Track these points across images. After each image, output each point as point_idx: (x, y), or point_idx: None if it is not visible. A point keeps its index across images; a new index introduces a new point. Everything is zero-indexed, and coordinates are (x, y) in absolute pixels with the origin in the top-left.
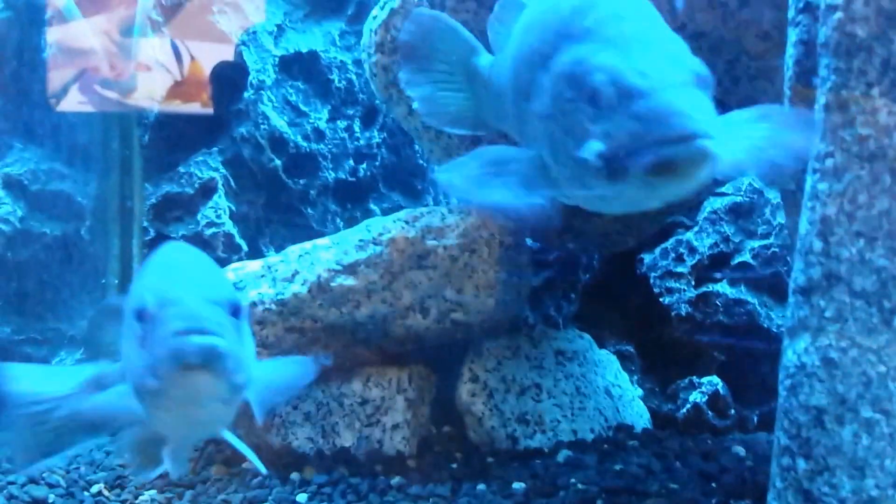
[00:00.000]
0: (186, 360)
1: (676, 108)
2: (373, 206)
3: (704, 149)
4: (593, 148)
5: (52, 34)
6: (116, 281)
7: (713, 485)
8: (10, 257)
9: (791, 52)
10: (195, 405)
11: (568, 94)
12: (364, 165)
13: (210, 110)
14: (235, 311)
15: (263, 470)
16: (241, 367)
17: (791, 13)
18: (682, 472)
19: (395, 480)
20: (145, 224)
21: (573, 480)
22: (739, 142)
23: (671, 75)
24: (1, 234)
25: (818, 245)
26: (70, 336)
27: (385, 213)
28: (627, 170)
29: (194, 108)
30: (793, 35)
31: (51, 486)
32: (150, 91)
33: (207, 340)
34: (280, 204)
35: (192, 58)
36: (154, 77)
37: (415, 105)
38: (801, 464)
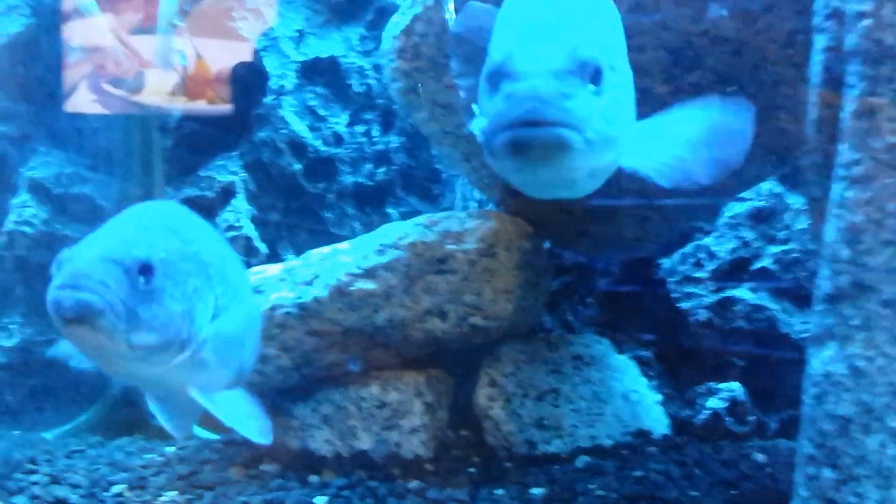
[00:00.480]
0: (63, 313)
1: (535, 93)
2: (390, 210)
3: (557, 135)
4: (479, 124)
5: (67, 31)
6: None
7: (734, 492)
8: (34, 259)
9: (818, 59)
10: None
11: (483, 73)
12: (382, 169)
13: (215, 108)
14: (144, 269)
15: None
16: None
17: (817, 19)
18: (702, 480)
19: (413, 484)
20: None
21: (592, 487)
22: (673, 137)
23: (548, 62)
24: (25, 236)
25: (845, 253)
26: None
27: (402, 217)
28: (493, 147)
29: (199, 105)
30: (819, 41)
31: (73, 486)
32: (158, 89)
33: (79, 296)
34: (299, 208)
35: (199, 56)
36: (160, 75)
37: (462, 94)
38: (827, 473)
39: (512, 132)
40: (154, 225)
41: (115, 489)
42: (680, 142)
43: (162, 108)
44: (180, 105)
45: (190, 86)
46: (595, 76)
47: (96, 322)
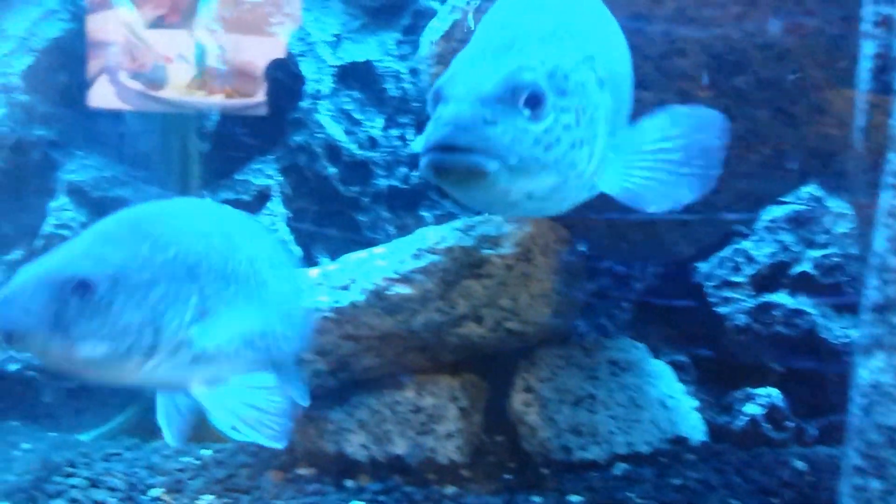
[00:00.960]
0: None
1: (455, 118)
2: (424, 214)
3: (469, 161)
4: (417, 144)
5: (89, 23)
6: None
7: (775, 501)
8: None
9: (866, 65)
10: None
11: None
12: (417, 173)
13: (249, 110)
14: (80, 286)
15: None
16: None
17: (866, 26)
18: (742, 487)
19: (449, 490)
20: None
21: (631, 494)
22: (647, 156)
23: (478, 87)
24: (62, 239)
25: (895, 262)
26: None
27: (437, 220)
28: (420, 168)
29: (217, 101)
30: (868, 48)
31: (111, 489)
32: (179, 84)
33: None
34: (333, 211)
35: (219, 53)
36: (184, 70)
37: None
38: (875, 484)
39: (431, 156)
40: (126, 231)
41: (153, 493)
42: (655, 161)
43: (189, 103)
44: (203, 100)
45: (207, 81)
46: (532, 101)
47: (24, 344)
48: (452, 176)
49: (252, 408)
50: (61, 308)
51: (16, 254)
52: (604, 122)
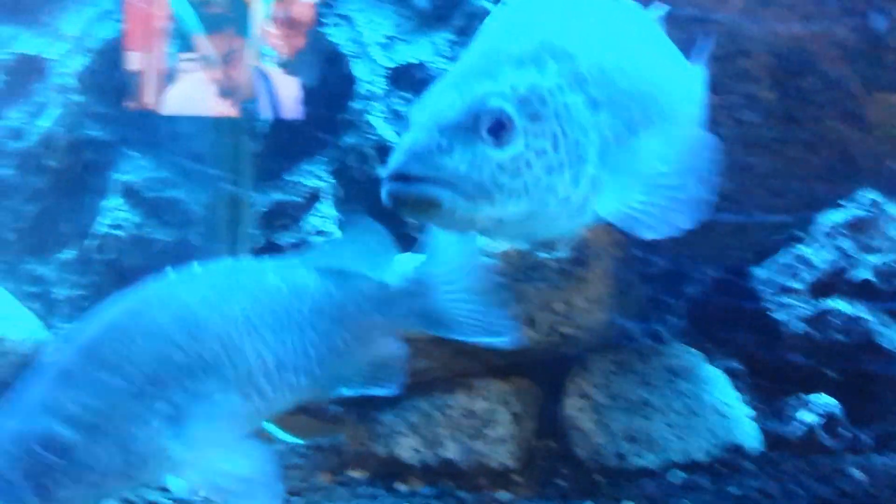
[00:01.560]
0: None
1: (411, 147)
2: None
3: (420, 191)
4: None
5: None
6: None
7: None
8: (126, 263)
9: None
10: None
11: None
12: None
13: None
14: None
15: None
16: None
17: None
18: (801, 497)
19: (502, 495)
20: (253, 231)
21: (688, 503)
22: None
23: (438, 114)
24: (118, 239)
25: None
26: None
27: None
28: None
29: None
30: None
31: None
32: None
33: None
34: (383, 212)
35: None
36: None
37: None
38: None
39: (387, 185)
40: (80, 363)
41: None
42: (651, 185)
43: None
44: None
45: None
46: (497, 128)
47: None
48: (408, 206)
49: (238, 480)
50: (29, 467)
51: (69, 253)
52: (596, 145)
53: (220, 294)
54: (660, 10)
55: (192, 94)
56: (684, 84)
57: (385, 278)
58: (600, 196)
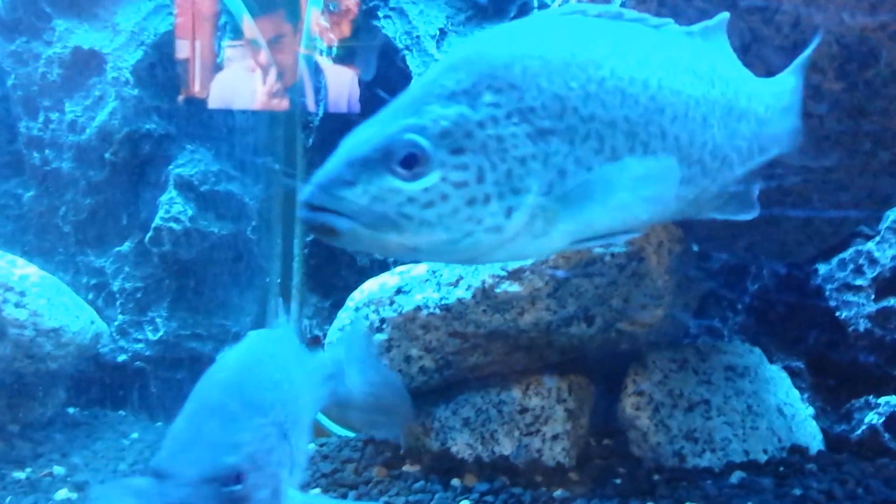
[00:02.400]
0: None
1: (318, 178)
2: None
3: (315, 220)
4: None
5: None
6: (279, 280)
7: None
8: (181, 255)
9: None
10: None
11: None
12: None
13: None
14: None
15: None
16: None
17: None
18: (865, 500)
19: (558, 493)
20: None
21: None
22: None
23: (353, 148)
24: (172, 232)
25: None
26: (234, 332)
27: None
28: None
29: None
30: None
31: None
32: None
33: None
34: None
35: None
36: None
37: None
38: None
39: (299, 210)
40: (230, 403)
41: None
42: (604, 212)
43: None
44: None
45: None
46: (409, 162)
47: None
48: (314, 231)
49: None
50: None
51: (126, 246)
52: (540, 175)
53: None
54: (719, 18)
55: (238, 81)
56: (734, 99)
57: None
58: (561, 223)
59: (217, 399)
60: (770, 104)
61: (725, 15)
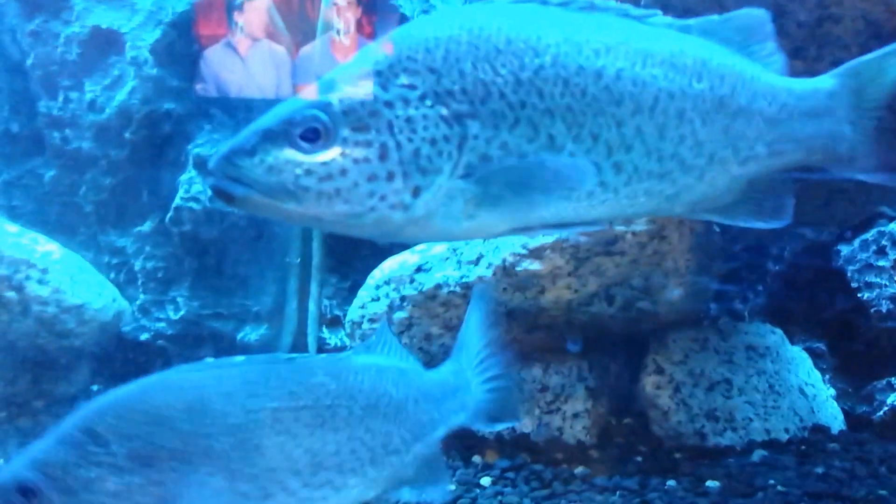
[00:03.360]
0: None
1: (223, 148)
2: None
3: (213, 186)
4: None
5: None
6: (298, 260)
7: None
8: (201, 235)
9: None
10: None
11: None
12: None
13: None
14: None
15: None
16: None
17: None
18: (889, 479)
19: (579, 470)
20: None
21: (772, 482)
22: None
23: (262, 120)
24: (191, 212)
25: None
26: (255, 312)
27: None
28: None
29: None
30: None
31: None
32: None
33: None
34: None
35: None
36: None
37: None
38: None
39: (207, 177)
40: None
41: None
42: (529, 205)
43: None
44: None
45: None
46: (310, 135)
47: None
48: (216, 197)
49: None
50: None
51: (147, 225)
52: (454, 158)
53: (247, 387)
54: (740, 13)
55: (257, 66)
56: (728, 96)
57: (435, 374)
58: (486, 209)
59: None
60: (788, 104)
61: (748, 11)
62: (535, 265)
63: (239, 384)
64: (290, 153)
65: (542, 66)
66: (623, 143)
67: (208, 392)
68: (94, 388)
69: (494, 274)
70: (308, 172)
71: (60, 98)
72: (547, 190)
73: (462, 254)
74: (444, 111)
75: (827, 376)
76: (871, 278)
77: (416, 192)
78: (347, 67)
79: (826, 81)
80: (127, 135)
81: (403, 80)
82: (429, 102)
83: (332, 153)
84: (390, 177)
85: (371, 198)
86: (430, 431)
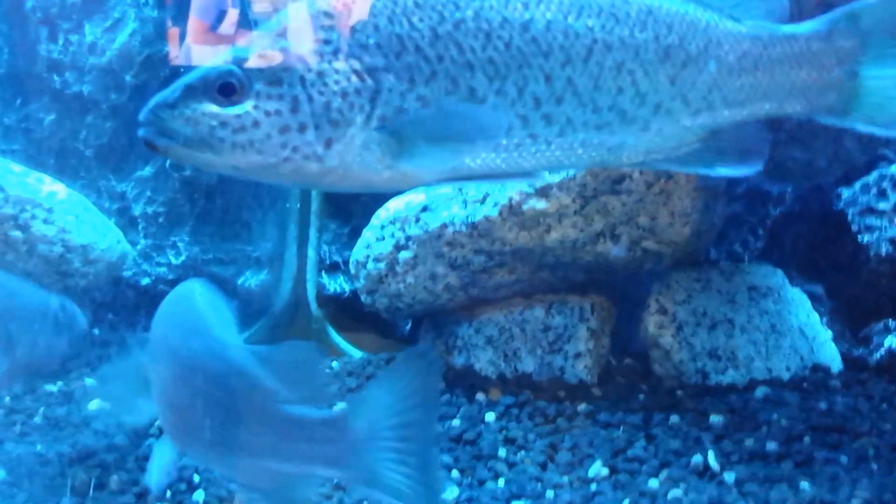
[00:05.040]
0: None
1: (150, 101)
2: None
3: (142, 135)
4: None
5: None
6: (298, 205)
7: None
8: (201, 180)
9: None
10: None
11: None
12: None
13: None
14: None
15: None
16: None
17: None
18: (891, 414)
19: (582, 407)
20: None
21: (776, 416)
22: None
23: (188, 77)
24: None
25: None
26: (255, 257)
27: None
28: None
29: None
30: None
31: None
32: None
33: None
34: None
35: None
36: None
37: None
38: None
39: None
40: None
41: None
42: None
43: None
44: None
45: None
46: (226, 89)
47: None
48: (144, 146)
49: None
50: None
51: (147, 170)
52: (366, 111)
53: None
54: None
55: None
56: (676, 45)
57: None
58: (405, 159)
59: None
60: (752, 52)
61: None
62: (541, 203)
63: None
64: (207, 107)
65: (463, 19)
66: (553, 96)
67: None
68: (97, 331)
69: (500, 213)
70: (223, 124)
71: (60, 41)
72: (466, 139)
73: (468, 193)
74: (357, 65)
75: (824, 319)
76: (872, 221)
77: (329, 144)
78: (266, 25)
79: (809, 27)
80: (128, 78)
81: (319, 35)
82: (341, 57)
83: (245, 106)
84: (302, 128)
85: (284, 149)
86: None
